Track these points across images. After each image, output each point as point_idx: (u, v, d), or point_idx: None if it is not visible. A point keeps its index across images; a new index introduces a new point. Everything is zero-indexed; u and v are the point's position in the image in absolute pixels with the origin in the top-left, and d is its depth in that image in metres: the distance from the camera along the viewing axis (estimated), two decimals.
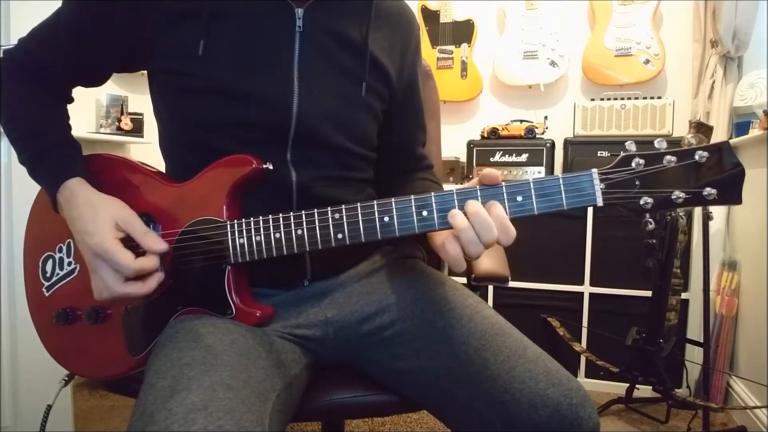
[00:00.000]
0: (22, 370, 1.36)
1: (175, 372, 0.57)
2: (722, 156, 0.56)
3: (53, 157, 0.73)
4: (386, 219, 0.63)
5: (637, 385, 1.81)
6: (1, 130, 1.29)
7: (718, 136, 2.05)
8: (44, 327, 0.79)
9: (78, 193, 0.69)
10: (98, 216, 0.67)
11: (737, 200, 0.57)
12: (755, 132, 1.84)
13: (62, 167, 0.72)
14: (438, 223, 0.62)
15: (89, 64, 0.76)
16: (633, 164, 0.58)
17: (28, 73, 0.76)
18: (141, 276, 0.66)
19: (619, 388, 1.95)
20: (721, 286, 1.94)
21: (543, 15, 2.36)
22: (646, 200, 0.58)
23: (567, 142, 2.21)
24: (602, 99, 2.20)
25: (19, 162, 0.75)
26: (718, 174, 0.56)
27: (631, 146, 0.59)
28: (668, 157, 0.57)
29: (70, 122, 0.80)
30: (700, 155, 0.56)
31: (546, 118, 2.35)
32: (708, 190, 0.56)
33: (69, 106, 0.81)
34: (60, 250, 0.77)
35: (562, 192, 0.59)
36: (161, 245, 0.68)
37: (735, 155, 0.56)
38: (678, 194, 0.57)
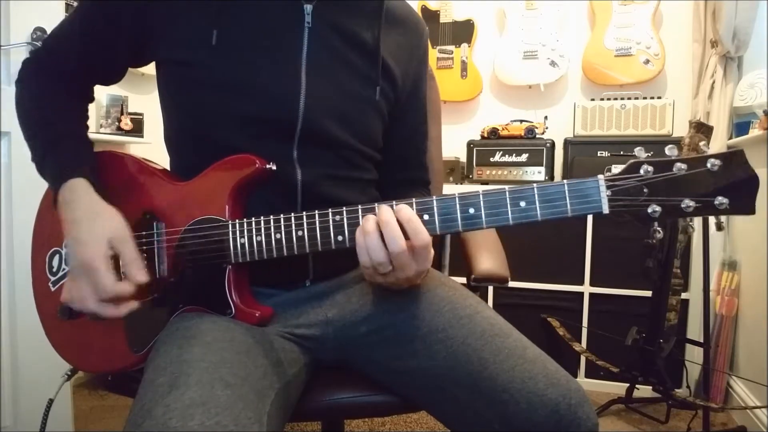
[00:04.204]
0: (23, 371, 1.37)
1: (174, 368, 0.57)
2: (735, 164, 0.54)
3: (58, 154, 0.73)
4: None
5: (637, 385, 1.81)
6: (1, 130, 1.30)
7: (718, 136, 2.05)
8: (49, 321, 0.79)
9: (80, 198, 0.69)
10: (94, 228, 0.66)
11: (749, 210, 0.55)
12: (755, 132, 1.84)
13: (66, 165, 0.71)
14: (439, 228, 0.62)
15: (103, 60, 0.77)
16: (641, 171, 0.56)
17: (47, 71, 0.78)
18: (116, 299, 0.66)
19: (619, 388, 1.95)
20: (721, 286, 1.94)
21: (543, 15, 2.36)
22: (654, 208, 0.56)
23: (567, 142, 2.21)
24: (602, 99, 2.20)
25: (31, 160, 0.75)
26: (730, 182, 0.54)
27: (640, 153, 0.57)
28: (679, 164, 0.55)
29: (87, 122, 0.80)
30: (712, 163, 0.54)
31: (546, 118, 2.35)
32: (719, 199, 0.54)
33: None
34: (67, 246, 0.77)
35: (567, 198, 0.58)
36: (143, 277, 0.67)
37: (748, 164, 0.54)
38: (688, 203, 0.55)
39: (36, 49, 0.79)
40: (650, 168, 0.56)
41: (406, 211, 0.61)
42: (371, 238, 0.61)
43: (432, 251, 0.64)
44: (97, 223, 0.67)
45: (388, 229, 0.60)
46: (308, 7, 0.74)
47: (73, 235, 0.67)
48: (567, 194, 0.58)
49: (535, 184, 0.59)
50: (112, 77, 0.82)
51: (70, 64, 0.77)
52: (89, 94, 0.82)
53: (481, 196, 0.60)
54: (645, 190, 0.56)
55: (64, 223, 0.69)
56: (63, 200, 0.70)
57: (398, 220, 0.61)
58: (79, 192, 0.69)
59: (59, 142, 0.74)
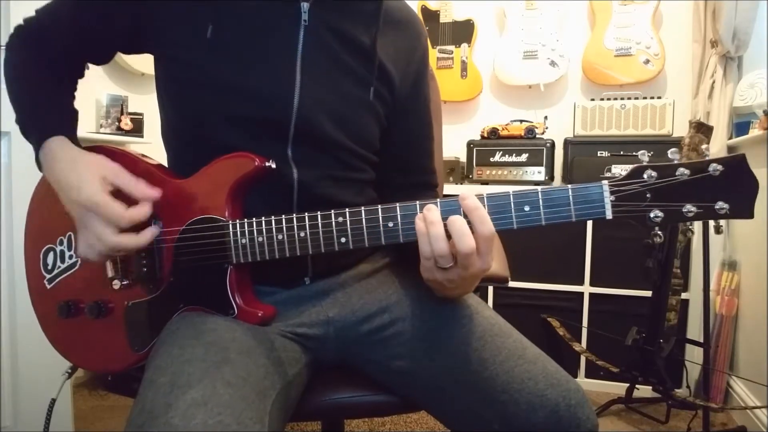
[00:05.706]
0: (23, 371, 1.37)
1: (175, 368, 0.57)
2: (737, 169, 0.55)
3: (39, 116, 0.73)
4: (390, 224, 0.63)
5: (637, 385, 1.81)
6: (1, 130, 1.30)
7: (718, 136, 2.05)
8: (47, 319, 0.79)
9: (59, 151, 0.69)
10: (83, 171, 0.66)
11: (749, 214, 0.55)
12: (755, 132, 1.84)
13: (46, 126, 0.71)
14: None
15: (96, 45, 0.77)
16: (645, 176, 0.57)
17: (38, 43, 0.77)
18: (134, 228, 0.66)
19: (619, 388, 1.95)
20: (721, 286, 1.94)
21: (543, 15, 2.36)
22: (657, 214, 0.56)
23: (567, 142, 2.21)
24: (602, 99, 2.20)
25: (15, 122, 0.75)
26: (730, 187, 0.55)
27: (643, 157, 0.58)
28: (682, 169, 0.55)
29: (75, 93, 0.80)
30: (714, 168, 0.55)
31: (546, 118, 2.35)
32: (720, 204, 0.55)
33: None
34: (61, 243, 0.77)
35: (571, 203, 0.58)
36: (153, 192, 0.67)
37: (749, 169, 0.54)
38: (689, 208, 0.56)
39: (29, 20, 0.78)
40: (654, 173, 0.56)
41: (473, 200, 0.58)
42: (435, 228, 0.58)
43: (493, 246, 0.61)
44: (82, 165, 0.67)
45: (456, 226, 0.57)
46: (305, 6, 0.73)
47: (64, 186, 0.67)
48: (571, 199, 0.58)
49: (539, 189, 0.59)
50: (102, 60, 0.81)
51: (61, 42, 0.76)
52: (78, 69, 0.81)
53: (485, 199, 0.60)
54: (648, 195, 0.57)
55: (54, 183, 0.69)
56: (46, 161, 0.70)
57: (463, 210, 0.58)
58: (56, 148, 0.69)
59: (42, 106, 0.74)
